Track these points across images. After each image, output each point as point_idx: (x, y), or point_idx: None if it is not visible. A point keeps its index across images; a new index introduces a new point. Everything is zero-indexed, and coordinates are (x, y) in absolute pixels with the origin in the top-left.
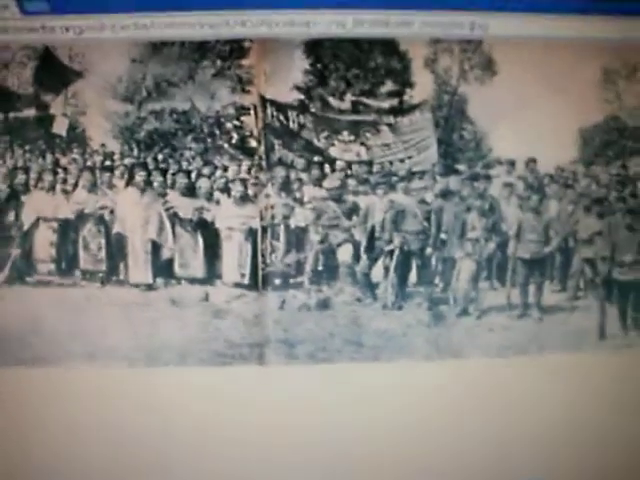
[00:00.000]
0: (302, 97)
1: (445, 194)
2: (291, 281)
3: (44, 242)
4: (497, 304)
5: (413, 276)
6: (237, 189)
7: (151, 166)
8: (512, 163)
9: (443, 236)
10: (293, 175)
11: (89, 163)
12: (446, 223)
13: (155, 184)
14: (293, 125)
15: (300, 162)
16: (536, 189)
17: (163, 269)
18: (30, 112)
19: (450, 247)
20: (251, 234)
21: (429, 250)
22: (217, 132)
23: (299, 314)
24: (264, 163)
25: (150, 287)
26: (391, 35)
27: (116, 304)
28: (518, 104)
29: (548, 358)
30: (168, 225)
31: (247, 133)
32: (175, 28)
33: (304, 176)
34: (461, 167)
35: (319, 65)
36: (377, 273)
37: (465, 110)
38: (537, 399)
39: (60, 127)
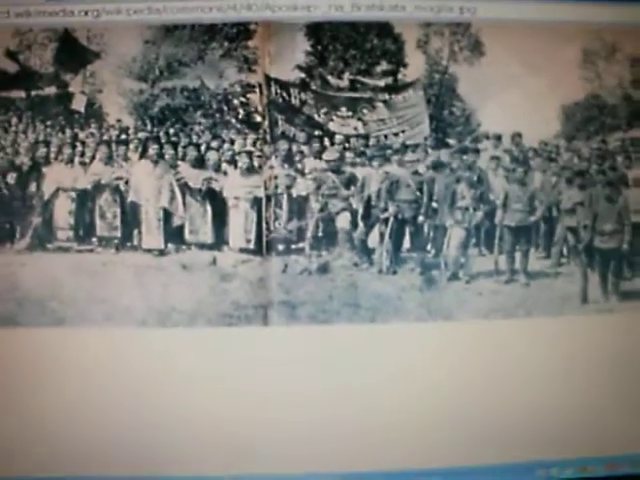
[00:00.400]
0: (303, 76)
1: (436, 166)
2: (293, 247)
3: (63, 211)
4: (485, 270)
5: (406, 242)
6: (243, 161)
7: (163, 140)
8: (499, 137)
9: (434, 205)
10: (295, 148)
11: (105, 137)
12: (437, 193)
13: (167, 156)
14: (295, 102)
15: (301, 136)
16: (521, 162)
17: (174, 235)
18: (51, 90)
19: (441, 215)
20: (256, 203)
21: (421, 218)
22: (225, 108)
23: (300, 278)
24: (268, 137)
25: (162, 252)
26: (386, 18)
27: (130, 268)
28: (504, 83)
29: (534, 321)
30: (179, 194)
31: (252, 109)
32: (186, 12)
33: (305, 149)
34: (451, 141)
35: (319, 46)
36: (373, 239)
37: (455, 88)
38: (524, 360)
39: (79, 104)
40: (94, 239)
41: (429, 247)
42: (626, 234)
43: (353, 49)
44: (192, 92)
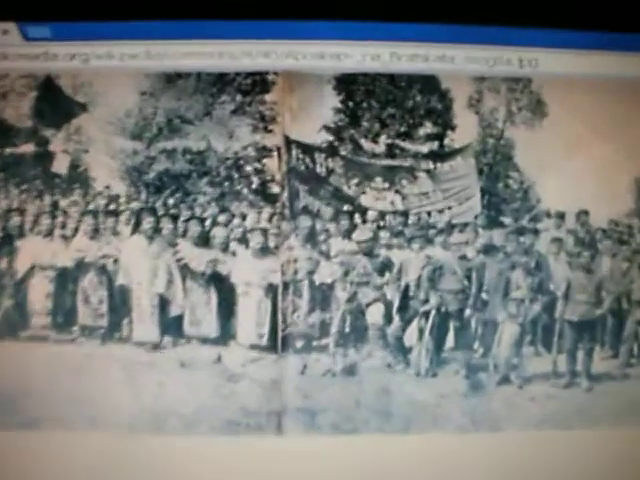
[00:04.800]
0: (331, 138)
1: (488, 249)
2: (314, 343)
3: (39, 293)
4: (541, 372)
5: (450, 340)
6: (256, 240)
7: (160, 212)
8: (562, 216)
9: (484, 296)
10: (319, 225)
11: (91, 206)
12: (488, 281)
13: (164, 232)
14: (320, 169)
15: (327, 211)
16: (587, 244)
17: (171, 326)
18: (28, 148)
19: (492, 308)
20: (271, 290)
21: (468, 311)
22: (235, 175)
23: (322, 380)
24: (287, 211)
25: (156, 346)
26: (431, 71)
27: (118, 364)
28: (569, 150)
29: (597, 433)
30: (178, 278)
31: (269, 177)
32: (191, 58)
33: (331, 227)
34: (506, 220)
35: (351, 103)
36: (410, 336)
37: (512, 156)
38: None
39: (60, 165)
40: (76, 328)
41: (476, 346)
42: None
43: (391, 107)
44: (196, 155)
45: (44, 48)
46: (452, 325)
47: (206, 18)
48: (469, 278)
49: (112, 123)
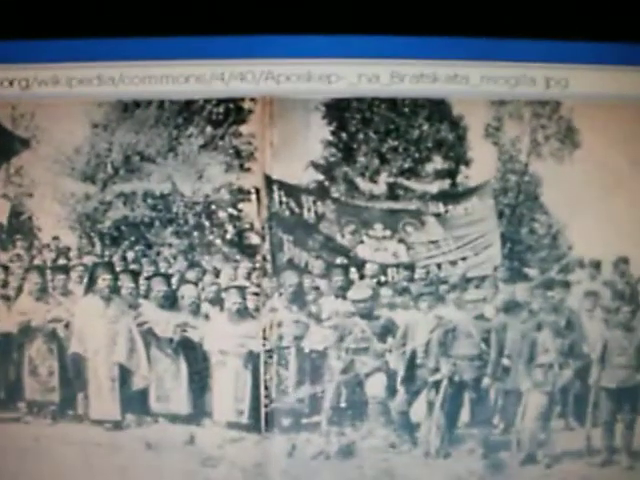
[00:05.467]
0: (321, 178)
1: (509, 307)
2: (304, 421)
3: None
4: (573, 448)
5: (465, 414)
6: (233, 300)
7: (119, 267)
8: (597, 265)
9: (506, 362)
10: (308, 282)
11: (37, 261)
12: (510, 345)
13: (124, 291)
14: (308, 215)
15: (317, 265)
16: (627, 298)
17: (135, 402)
18: None
19: (514, 376)
20: (251, 359)
21: (487, 380)
22: (206, 223)
23: (314, 464)
24: (269, 266)
25: (118, 425)
26: (440, 94)
27: (73, 446)
28: (605, 187)
29: None
30: (141, 345)
31: (246, 225)
32: (151, 82)
33: (322, 284)
34: (531, 271)
35: (344, 134)
36: (418, 411)
37: (537, 195)
38: None
39: None
40: (22, 404)
41: (496, 420)
42: None
43: (393, 139)
44: (160, 199)
45: None
46: (467, 397)
47: (169, 34)
48: (487, 341)
49: (59, 162)
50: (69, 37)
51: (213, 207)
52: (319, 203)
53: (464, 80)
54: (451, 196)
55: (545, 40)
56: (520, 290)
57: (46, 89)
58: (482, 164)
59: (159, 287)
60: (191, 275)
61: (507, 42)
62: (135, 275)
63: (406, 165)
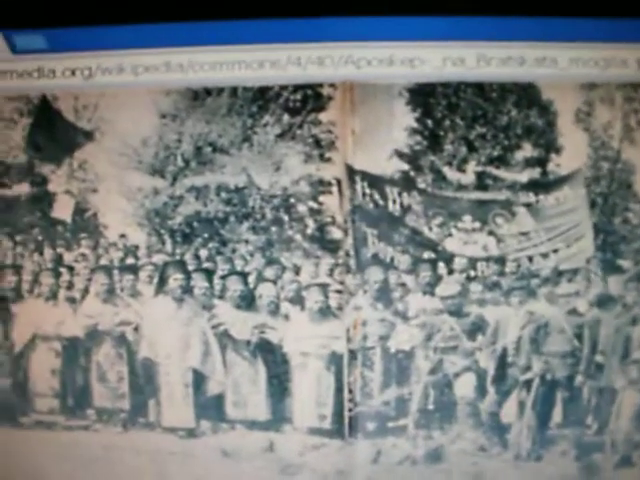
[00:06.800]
0: (406, 167)
1: (603, 301)
2: (390, 425)
3: (43, 369)
4: None
5: (558, 414)
6: (314, 299)
7: (191, 266)
8: None
9: (599, 359)
10: (393, 279)
11: (104, 261)
12: (604, 341)
13: (197, 291)
14: (393, 207)
15: (404, 260)
16: None
17: (210, 408)
18: (22, 189)
19: (608, 373)
20: (334, 361)
21: (580, 378)
22: (285, 218)
23: (400, 469)
24: (352, 262)
25: (192, 433)
26: (529, 78)
27: (145, 455)
28: None
29: None
30: (216, 349)
31: (328, 219)
32: (223, 69)
33: (409, 280)
34: (625, 263)
35: (429, 121)
36: (509, 412)
37: (631, 183)
38: None
39: (63, 210)
40: (90, 412)
41: (590, 420)
42: None
43: (480, 125)
44: (234, 193)
45: (37, 62)
46: (560, 396)
47: (242, 17)
48: (580, 337)
49: (125, 155)
50: (134, 22)
51: (292, 200)
52: (404, 194)
53: (552, 63)
54: (542, 185)
55: (637, 19)
56: (613, 283)
57: (110, 78)
58: (573, 151)
59: (235, 286)
60: (269, 273)
61: (596, 22)
62: (209, 274)
63: (495, 153)
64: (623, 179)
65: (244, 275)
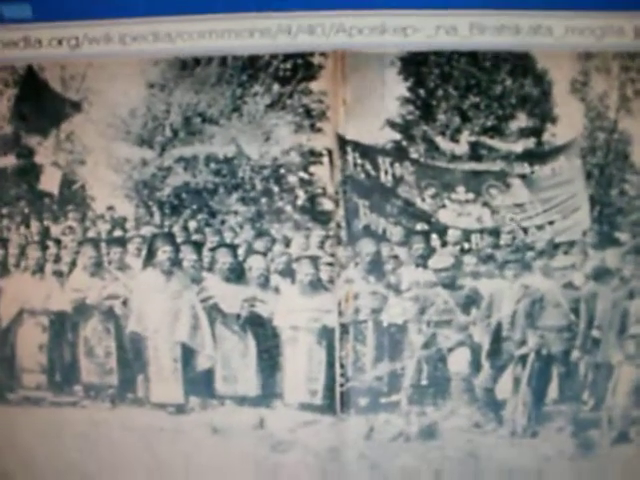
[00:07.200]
0: (398, 137)
1: (600, 274)
2: (382, 401)
3: (30, 344)
4: None
5: (553, 390)
6: (305, 271)
7: (180, 238)
8: None
9: (596, 333)
10: (386, 251)
11: (91, 234)
12: (600, 315)
13: (186, 264)
14: (386, 178)
15: (396, 232)
16: None
17: (199, 384)
18: (8, 161)
19: (605, 348)
20: (325, 335)
21: (576, 353)
22: (275, 189)
23: (393, 446)
24: (344, 234)
25: (181, 409)
26: (524, 47)
27: (134, 432)
28: None
29: None
30: (205, 322)
31: (318, 190)
32: (212, 38)
33: (402, 252)
34: (622, 236)
35: (422, 90)
36: (504, 387)
37: (628, 154)
38: None
39: (50, 182)
40: (78, 387)
41: (586, 396)
42: None
43: (474, 95)
44: (223, 164)
45: (23, 32)
46: (556, 371)
47: None
48: (576, 311)
49: (113, 125)
50: None
51: (282, 171)
52: (397, 165)
53: (548, 31)
54: (537, 156)
55: None
56: (610, 256)
57: (97, 48)
58: (569, 121)
59: (224, 259)
60: (259, 245)
61: None
62: (198, 246)
63: (489, 123)
64: (620, 150)
65: (233, 247)
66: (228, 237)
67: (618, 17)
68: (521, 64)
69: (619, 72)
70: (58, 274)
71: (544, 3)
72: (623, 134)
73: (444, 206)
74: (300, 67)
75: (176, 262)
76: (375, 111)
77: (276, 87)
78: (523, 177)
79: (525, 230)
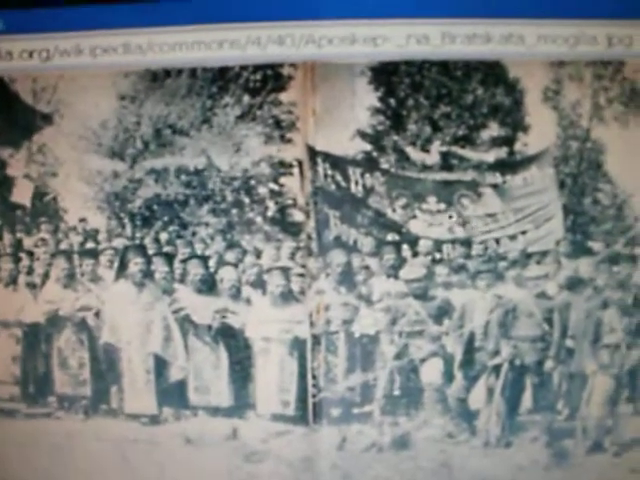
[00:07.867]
0: (369, 148)
1: (573, 284)
2: (355, 411)
3: (4, 356)
4: None
5: (527, 400)
6: (276, 282)
7: (151, 250)
8: None
9: (569, 343)
10: (357, 262)
11: (64, 246)
12: (574, 325)
13: (157, 276)
14: (356, 189)
15: (367, 243)
16: None
17: (172, 395)
18: None
19: (579, 358)
20: (297, 346)
21: (550, 363)
22: (245, 200)
23: (366, 457)
24: (314, 245)
25: (154, 419)
26: (495, 55)
27: (107, 443)
28: None
29: None
30: (178, 334)
31: (289, 202)
32: (182, 50)
33: (373, 263)
34: (595, 245)
35: (392, 100)
36: (477, 398)
37: (601, 163)
38: None
39: (22, 194)
40: (52, 399)
41: (560, 406)
42: None
43: (445, 104)
44: (194, 175)
45: None
46: (529, 381)
47: None
48: (550, 321)
49: (84, 138)
50: (91, 3)
51: (252, 182)
52: (367, 175)
53: (520, 40)
54: (509, 165)
55: None
56: (584, 265)
57: (68, 60)
58: (541, 130)
59: (196, 270)
60: (230, 256)
61: None
62: (169, 258)
63: (460, 132)
64: (593, 159)
65: (205, 259)
66: (199, 248)
67: (591, 25)
68: (493, 73)
69: (592, 80)
70: (31, 286)
71: (516, 11)
72: (596, 143)
73: (415, 217)
74: (270, 78)
75: (148, 274)
76: (345, 122)
77: (246, 98)
78: (495, 187)
79: (497, 240)
